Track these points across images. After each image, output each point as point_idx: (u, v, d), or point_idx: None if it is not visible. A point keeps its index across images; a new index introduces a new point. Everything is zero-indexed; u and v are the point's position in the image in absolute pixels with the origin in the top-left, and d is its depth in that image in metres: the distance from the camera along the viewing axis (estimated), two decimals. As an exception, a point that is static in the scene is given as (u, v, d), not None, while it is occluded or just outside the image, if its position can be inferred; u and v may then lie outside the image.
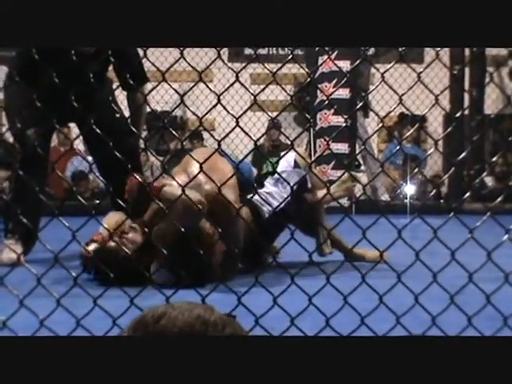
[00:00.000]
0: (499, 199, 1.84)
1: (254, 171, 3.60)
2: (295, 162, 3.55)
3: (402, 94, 1.62)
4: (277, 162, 3.59)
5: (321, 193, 3.53)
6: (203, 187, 3.01)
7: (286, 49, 8.93)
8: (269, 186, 3.52)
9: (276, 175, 3.50)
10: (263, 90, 1.60)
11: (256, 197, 3.38)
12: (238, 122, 1.39)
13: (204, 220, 2.99)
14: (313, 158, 6.00)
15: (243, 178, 3.31)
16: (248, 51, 8.74)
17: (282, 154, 3.78)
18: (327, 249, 3.64)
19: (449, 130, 6.10)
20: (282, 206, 3.31)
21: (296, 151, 3.55)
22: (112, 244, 3.02)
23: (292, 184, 3.39)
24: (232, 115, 1.46)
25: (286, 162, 3.56)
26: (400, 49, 1.69)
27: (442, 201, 6.83)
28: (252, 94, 1.44)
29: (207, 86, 1.53)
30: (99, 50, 3.64)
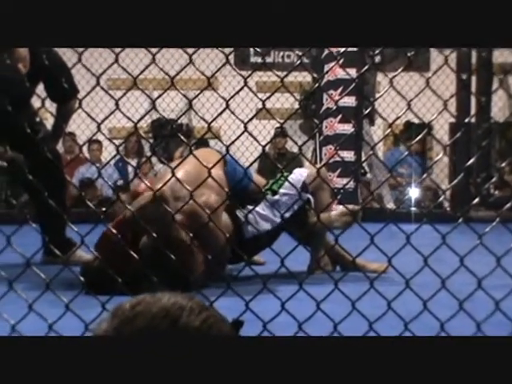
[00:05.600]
0: (508, 205, 1.84)
1: (254, 179, 3.41)
2: (304, 183, 3.36)
3: (410, 100, 1.61)
4: (285, 180, 3.39)
5: (325, 216, 3.35)
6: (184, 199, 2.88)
7: (292, 57, 8.94)
8: (264, 206, 3.34)
9: (277, 196, 3.36)
10: (271, 95, 1.60)
11: (244, 212, 3.28)
12: (246, 128, 1.39)
13: (179, 228, 2.89)
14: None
15: (237, 185, 3.15)
16: (254, 59, 8.75)
17: (295, 171, 3.50)
18: (322, 268, 3.50)
19: (457, 135, 6.09)
20: (268, 229, 3.27)
21: (311, 163, 3.35)
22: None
23: (290, 212, 3.29)
24: (240, 120, 1.46)
25: (294, 181, 3.38)
26: (408, 54, 1.69)
27: (448, 209, 6.82)
28: (260, 100, 1.44)
29: (215, 91, 1.53)
30: (32, 69, 3.62)
